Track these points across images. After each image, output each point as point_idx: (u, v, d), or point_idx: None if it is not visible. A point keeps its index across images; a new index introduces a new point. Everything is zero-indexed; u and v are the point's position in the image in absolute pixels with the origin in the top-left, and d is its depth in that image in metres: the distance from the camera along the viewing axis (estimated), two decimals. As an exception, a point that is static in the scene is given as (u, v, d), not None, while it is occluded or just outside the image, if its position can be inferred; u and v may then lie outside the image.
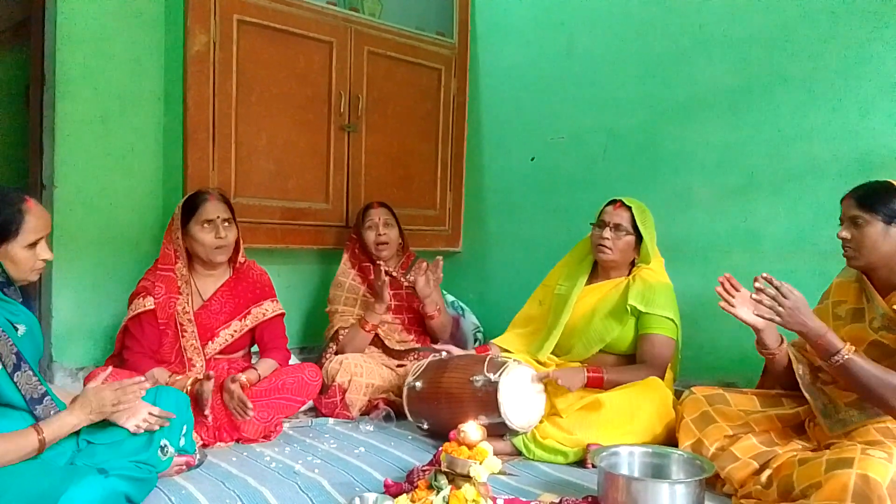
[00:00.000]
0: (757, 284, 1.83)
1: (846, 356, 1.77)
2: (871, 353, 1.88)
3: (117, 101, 2.98)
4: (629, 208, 2.51)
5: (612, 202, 2.56)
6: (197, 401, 2.28)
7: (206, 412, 2.28)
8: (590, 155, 3.32)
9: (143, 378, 1.85)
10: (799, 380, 1.96)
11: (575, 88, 3.41)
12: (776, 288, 1.80)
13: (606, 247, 2.51)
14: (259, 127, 3.12)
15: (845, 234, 1.92)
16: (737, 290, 1.93)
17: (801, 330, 1.81)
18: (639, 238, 2.52)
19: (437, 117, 3.80)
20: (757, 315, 1.85)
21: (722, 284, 1.93)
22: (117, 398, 1.72)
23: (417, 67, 3.69)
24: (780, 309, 1.79)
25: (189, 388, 2.32)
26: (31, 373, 1.65)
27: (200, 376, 2.36)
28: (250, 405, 2.30)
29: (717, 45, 2.87)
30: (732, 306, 1.91)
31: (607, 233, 2.51)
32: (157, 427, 1.80)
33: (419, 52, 3.69)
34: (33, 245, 1.68)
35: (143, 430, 1.77)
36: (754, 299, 1.83)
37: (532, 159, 3.62)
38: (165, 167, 3.10)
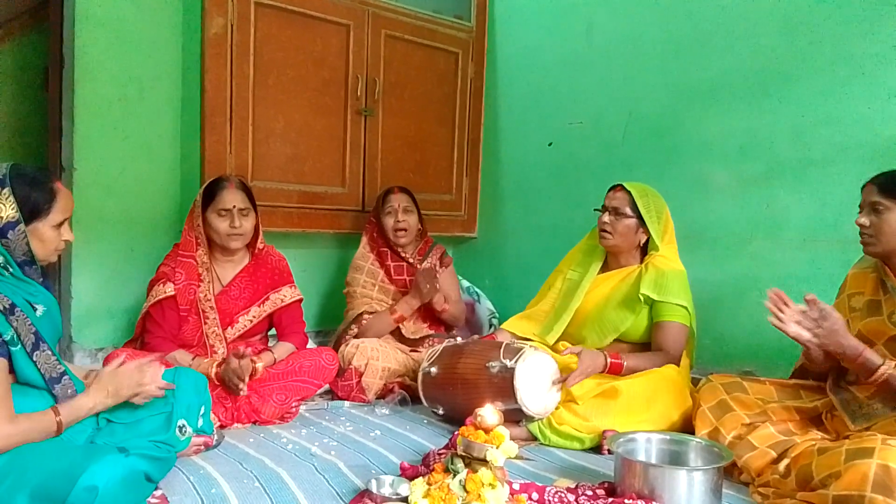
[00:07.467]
0: (808, 298, 1.82)
1: (888, 372, 1.77)
2: (892, 348, 1.85)
3: (136, 83, 2.99)
4: (629, 192, 2.49)
5: (614, 187, 2.54)
6: (223, 382, 2.32)
7: (242, 387, 2.31)
8: (608, 140, 3.29)
9: (153, 358, 1.86)
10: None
11: (594, 72, 3.37)
12: (820, 310, 1.80)
13: (606, 231, 2.50)
14: (276, 110, 3.12)
15: (864, 220, 1.90)
16: (786, 306, 1.87)
17: (838, 350, 1.82)
18: (643, 222, 2.49)
19: (454, 102, 3.78)
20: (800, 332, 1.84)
21: (771, 299, 1.87)
22: (136, 384, 1.74)
23: (435, 51, 3.67)
24: (819, 330, 1.80)
25: (215, 371, 2.34)
26: (49, 352, 1.67)
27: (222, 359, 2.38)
28: (245, 383, 2.31)
29: (739, 27, 2.81)
30: (783, 322, 1.85)
31: (606, 217, 2.50)
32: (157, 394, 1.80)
33: (437, 35, 3.66)
34: (59, 225, 1.70)
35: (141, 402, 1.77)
36: (797, 321, 1.83)
37: (550, 144, 3.59)
38: (183, 150, 3.11)
